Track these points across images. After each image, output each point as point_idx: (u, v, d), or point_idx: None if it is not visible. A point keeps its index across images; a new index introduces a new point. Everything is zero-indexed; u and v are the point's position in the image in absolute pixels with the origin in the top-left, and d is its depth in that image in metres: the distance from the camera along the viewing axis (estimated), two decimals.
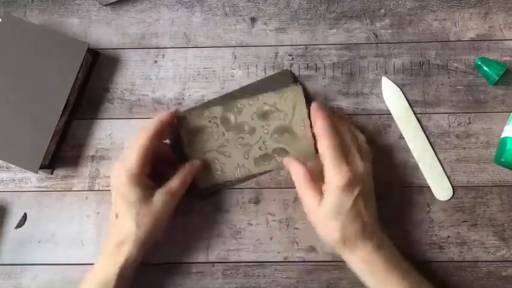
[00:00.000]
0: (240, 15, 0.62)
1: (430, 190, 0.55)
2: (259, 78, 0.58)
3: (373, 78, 0.59)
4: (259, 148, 0.55)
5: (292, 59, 0.60)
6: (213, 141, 0.55)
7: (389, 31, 0.61)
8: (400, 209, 0.55)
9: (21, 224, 0.57)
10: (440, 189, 0.55)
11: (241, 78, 0.60)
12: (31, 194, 0.58)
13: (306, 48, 0.61)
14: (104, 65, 0.61)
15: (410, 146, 0.57)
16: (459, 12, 0.61)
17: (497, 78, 0.56)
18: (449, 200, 0.55)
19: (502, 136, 0.56)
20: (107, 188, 0.57)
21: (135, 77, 0.61)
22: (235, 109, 0.55)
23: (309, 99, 0.57)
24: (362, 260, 0.48)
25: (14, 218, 0.57)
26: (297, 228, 0.56)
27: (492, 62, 0.57)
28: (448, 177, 0.56)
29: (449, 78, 0.59)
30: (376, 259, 0.48)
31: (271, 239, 0.56)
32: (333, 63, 0.60)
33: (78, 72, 0.57)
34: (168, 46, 0.62)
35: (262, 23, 0.62)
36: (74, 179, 0.58)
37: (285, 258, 0.55)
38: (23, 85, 0.57)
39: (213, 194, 0.56)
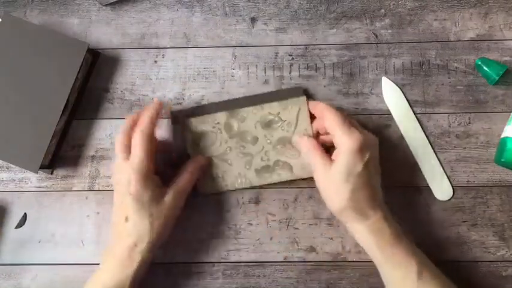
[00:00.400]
0: (240, 15, 0.62)
1: (430, 190, 0.56)
2: (270, 91, 0.58)
3: (373, 78, 0.59)
4: (261, 159, 0.55)
5: (292, 59, 0.60)
6: (216, 147, 0.55)
7: (389, 31, 0.61)
8: (400, 209, 0.55)
9: (21, 224, 0.57)
10: (440, 189, 0.55)
11: (241, 78, 0.60)
12: (31, 194, 0.58)
13: (306, 48, 0.61)
14: (104, 65, 0.61)
15: (410, 146, 0.57)
16: (459, 12, 0.61)
17: (497, 78, 0.57)
18: (449, 200, 0.55)
19: (502, 136, 0.56)
20: (107, 188, 0.57)
21: (135, 77, 0.61)
22: (239, 116, 0.55)
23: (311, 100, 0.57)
24: (369, 230, 0.48)
25: (14, 218, 0.57)
26: (297, 228, 0.56)
27: (492, 62, 0.57)
28: (448, 177, 0.56)
29: (449, 78, 0.59)
30: (384, 229, 0.47)
31: (271, 239, 0.56)
32: (333, 63, 0.60)
33: (78, 72, 0.57)
34: (168, 46, 0.62)
35: (262, 23, 0.62)
36: (74, 179, 0.58)
37: (285, 258, 0.55)
38: (23, 85, 0.57)
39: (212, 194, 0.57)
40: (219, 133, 0.55)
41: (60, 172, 0.58)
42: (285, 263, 0.55)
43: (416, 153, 0.56)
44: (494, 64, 0.57)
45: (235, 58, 0.61)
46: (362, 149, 0.47)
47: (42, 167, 0.56)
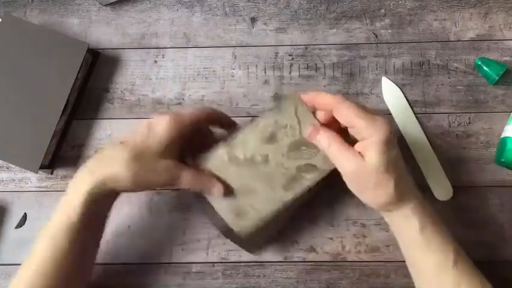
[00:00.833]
0: (240, 15, 0.62)
1: (430, 190, 0.55)
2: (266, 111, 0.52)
3: (373, 78, 0.59)
4: (282, 173, 0.49)
5: (292, 59, 0.60)
6: (233, 183, 0.49)
7: (390, 31, 0.61)
8: None
9: (21, 224, 0.57)
10: (440, 189, 0.55)
11: (241, 78, 0.60)
12: (31, 194, 0.58)
13: (306, 48, 0.61)
14: (104, 65, 0.61)
15: (411, 146, 0.57)
16: (459, 12, 0.61)
17: (497, 78, 0.57)
18: (449, 200, 0.55)
19: (502, 136, 0.56)
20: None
21: (135, 77, 0.61)
22: (240, 142, 0.49)
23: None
24: (413, 213, 0.45)
25: (14, 218, 0.57)
26: (297, 228, 0.56)
27: (492, 62, 0.57)
28: (448, 177, 0.56)
29: (449, 78, 0.59)
30: (426, 211, 0.46)
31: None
32: (333, 63, 0.60)
33: (78, 72, 0.57)
34: (168, 46, 0.62)
35: (262, 23, 0.62)
36: None
37: (285, 258, 0.55)
38: (23, 85, 0.57)
39: (260, 248, 0.54)
40: (229, 170, 0.49)
41: (60, 172, 0.58)
42: (285, 263, 0.55)
43: (416, 153, 0.56)
44: (494, 64, 0.57)
45: (235, 58, 0.61)
46: (391, 135, 0.44)
47: (42, 167, 0.56)
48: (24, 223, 0.57)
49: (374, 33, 0.61)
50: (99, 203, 0.46)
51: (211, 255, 0.55)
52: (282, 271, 0.55)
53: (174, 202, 0.57)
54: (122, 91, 0.61)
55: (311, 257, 0.55)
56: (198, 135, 0.50)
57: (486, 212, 0.55)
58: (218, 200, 0.49)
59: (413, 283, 0.52)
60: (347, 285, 0.54)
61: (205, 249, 0.55)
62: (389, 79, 0.59)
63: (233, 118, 0.54)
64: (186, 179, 0.47)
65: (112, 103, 0.60)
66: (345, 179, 0.46)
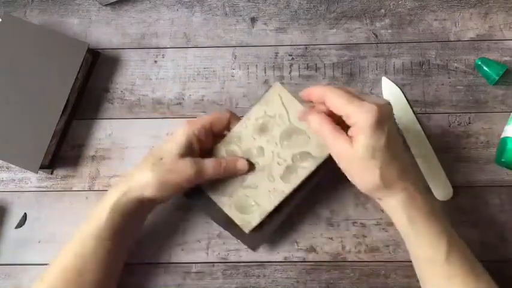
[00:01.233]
0: (240, 15, 0.62)
1: (430, 190, 0.55)
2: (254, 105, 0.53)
3: (373, 78, 0.59)
4: (278, 163, 0.51)
5: (292, 59, 0.60)
6: (232, 180, 0.52)
7: (390, 31, 0.61)
8: None
9: (21, 224, 0.57)
10: (440, 189, 0.55)
11: (241, 78, 0.60)
12: (31, 194, 0.58)
13: (306, 48, 0.61)
14: (104, 65, 0.61)
15: (410, 146, 0.57)
16: (459, 12, 0.61)
17: (497, 78, 0.57)
18: (449, 200, 0.55)
19: (502, 136, 0.56)
20: (107, 188, 0.57)
21: (135, 77, 0.61)
22: (234, 139, 0.51)
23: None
24: (402, 203, 0.45)
25: (14, 218, 0.57)
26: (297, 228, 0.56)
27: (492, 62, 0.57)
28: (448, 177, 0.56)
29: (449, 78, 0.59)
30: (416, 203, 0.45)
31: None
32: (333, 63, 0.60)
33: (78, 72, 0.57)
34: (168, 46, 0.62)
35: (262, 23, 0.62)
36: (74, 179, 0.58)
37: (285, 258, 0.55)
38: (23, 85, 0.57)
39: (262, 243, 0.54)
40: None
41: (60, 172, 0.58)
42: (285, 263, 0.55)
43: (416, 153, 0.56)
44: (494, 64, 0.57)
45: (235, 58, 0.61)
46: (381, 120, 0.44)
47: (42, 167, 0.56)
48: (24, 223, 0.57)
49: (374, 33, 0.61)
50: (127, 215, 0.48)
51: (211, 255, 0.55)
52: (282, 271, 0.55)
53: (174, 202, 0.57)
54: (122, 91, 0.61)
55: (311, 257, 0.55)
56: (213, 138, 0.52)
57: (486, 212, 0.55)
58: (221, 197, 0.52)
59: (413, 283, 0.52)
60: (347, 285, 0.54)
61: (205, 249, 0.55)
62: (389, 79, 0.59)
63: None
64: (210, 166, 0.49)
65: (112, 103, 0.60)
66: (336, 160, 0.47)
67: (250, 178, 0.51)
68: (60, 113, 0.56)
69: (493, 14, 0.61)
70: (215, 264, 0.55)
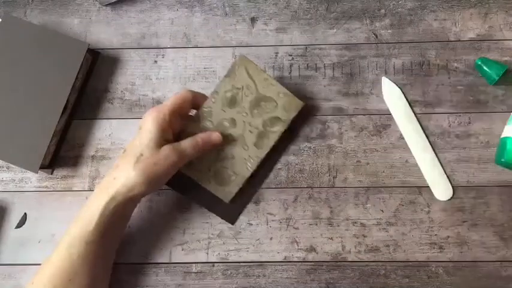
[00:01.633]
0: (240, 15, 0.62)
1: (430, 190, 0.55)
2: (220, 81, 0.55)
3: (373, 78, 0.59)
4: (250, 132, 0.54)
5: (292, 59, 0.60)
6: (208, 155, 0.54)
7: (390, 31, 0.61)
8: (400, 209, 0.55)
9: (21, 224, 0.57)
10: (440, 189, 0.55)
11: None
12: (31, 194, 0.58)
13: (306, 48, 0.61)
14: (104, 65, 0.61)
15: (410, 146, 0.57)
16: (459, 12, 0.61)
17: (497, 78, 0.56)
18: (449, 200, 0.55)
19: (502, 136, 0.56)
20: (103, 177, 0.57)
21: (135, 77, 0.61)
22: (205, 114, 0.54)
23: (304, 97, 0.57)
24: None
25: (14, 218, 0.57)
26: (297, 228, 0.56)
27: (492, 62, 0.57)
28: (448, 177, 0.56)
29: (449, 78, 0.59)
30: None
31: (271, 239, 0.56)
32: (333, 63, 0.60)
33: (78, 72, 0.57)
34: (168, 46, 0.62)
35: (262, 23, 0.62)
36: (74, 179, 0.58)
37: (285, 258, 0.55)
38: (23, 85, 0.57)
39: (241, 212, 0.56)
40: None
41: (60, 172, 0.58)
42: (285, 263, 0.55)
43: (416, 153, 0.56)
44: (494, 64, 0.57)
45: (235, 58, 0.61)
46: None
47: (42, 167, 0.56)
48: (24, 223, 0.57)
49: (374, 33, 0.61)
50: (115, 218, 0.48)
51: (211, 255, 0.55)
52: (282, 271, 0.55)
53: (174, 202, 0.57)
54: (122, 91, 0.61)
55: (311, 257, 0.55)
56: (181, 118, 0.53)
57: (486, 212, 0.55)
58: (199, 174, 0.54)
59: (413, 283, 0.52)
60: (347, 285, 0.54)
61: (205, 249, 0.55)
62: (389, 79, 0.59)
63: None
64: (189, 147, 0.50)
65: (112, 103, 0.60)
66: None
67: (226, 150, 0.54)
68: (60, 113, 0.56)
69: (493, 14, 0.61)
70: (215, 264, 0.55)
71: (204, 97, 0.55)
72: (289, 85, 0.59)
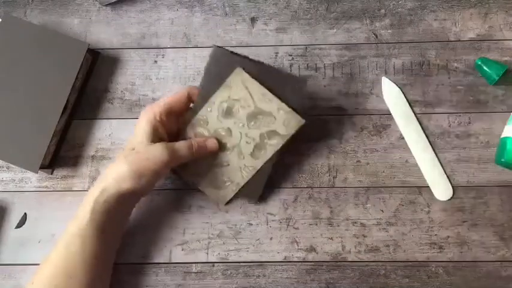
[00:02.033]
0: (240, 15, 0.62)
1: (430, 190, 0.55)
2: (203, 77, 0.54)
3: (373, 78, 0.59)
4: (247, 142, 0.53)
5: (292, 59, 0.60)
6: (204, 160, 0.53)
7: (390, 31, 0.61)
8: (400, 209, 0.55)
9: (21, 224, 0.57)
10: (440, 189, 0.55)
11: None
12: (31, 194, 0.58)
13: (306, 48, 0.61)
14: (104, 65, 0.61)
15: (410, 146, 0.57)
16: (459, 12, 0.61)
17: (497, 78, 0.56)
18: (449, 200, 0.55)
19: (502, 136, 0.56)
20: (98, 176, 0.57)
21: (135, 77, 0.61)
22: (201, 122, 0.53)
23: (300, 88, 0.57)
24: None
25: (14, 218, 0.57)
26: (297, 228, 0.56)
27: (492, 62, 0.57)
28: (448, 177, 0.56)
29: (449, 78, 0.59)
30: None
31: (271, 239, 0.56)
32: (333, 63, 0.60)
33: (78, 72, 0.57)
34: (168, 46, 0.62)
35: (262, 23, 0.62)
36: (74, 179, 0.58)
37: (285, 258, 0.55)
38: (23, 85, 0.57)
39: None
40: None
41: (60, 172, 0.58)
42: (285, 263, 0.55)
43: (416, 153, 0.56)
44: (494, 64, 0.57)
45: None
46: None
47: (42, 167, 0.56)
48: (24, 223, 0.57)
49: (374, 33, 0.61)
50: (109, 213, 0.48)
51: (211, 255, 0.55)
52: (282, 271, 0.55)
53: (174, 202, 0.57)
54: (122, 91, 0.61)
55: (311, 257, 0.55)
56: (176, 119, 0.53)
57: (486, 212, 0.55)
58: (195, 177, 0.55)
59: (413, 283, 0.52)
60: (347, 285, 0.54)
61: (205, 249, 0.55)
62: (389, 79, 0.59)
63: None
64: (182, 148, 0.50)
65: (112, 103, 0.60)
66: None
67: (221, 157, 0.54)
68: (60, 113, 0.56)
69: (493, 14, 0.61)
70: (215, 264, 0.55)
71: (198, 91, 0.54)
72: None
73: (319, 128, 0.58)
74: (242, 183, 0.54)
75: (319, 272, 0.54)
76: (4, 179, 0.58)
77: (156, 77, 0.61)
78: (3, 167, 0.59)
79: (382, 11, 0.62)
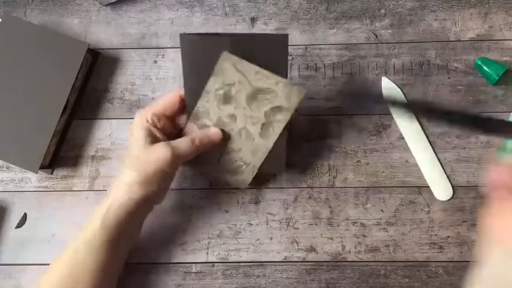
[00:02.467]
0: (240, 15, 0.62)
1: (430, 190, 0.55)
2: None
3: (373, 78, 0.59)
4: (253, 124, 0.51)
5: (292, 59, 0.60)
6: (214, 150, 0.52)
7: (390, 31, 0.61)
8: (400, 209, 0.55)
9: (21, 224, 0.57)
10: (440, 189, 0.55)
11: None
12: (31, 194, 0.58)
13: (306, 48, 0.61)
14: (104, 65, 0.61)
15: (410, 146, 0.57)
16: (459, 12, 0.61)
17: (497, 78, 0.56)
18: (449, 200, 0.55)
19: None
20: (107, 188, 0.57)
21: (135, 77, 0.61)
22: (202, 113, 0.51)
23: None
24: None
25: (14, 218, 0.57)
26: (297, 228, 0.56)
27: (492, 62, 0.57)
28: (448, 177, 0.56)
29: (449, 78, 0.59)
30: None
31: (271, 239, 0.56)
32: (333, 63, 0.60)
33: (78, 72, 0.57)
34: (168, 46, 0.62)
35: (262, 23, 0.62)
36: (74, 179, 0.58)
37: (285, 258, 0.55)
38: (23, 85, 0.57)
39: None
40: None
41: (60, 172, 0.58)
42: (285, 263, 0.55)
43: (417, 153, 0.56)
44: (494, 64, 0.57)
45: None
46: None
47: (42, 167, 0.56)
48: (24, 223, 0.57)
49: (374, 33, 0.61)
50: (119, 219, 0.47)
51: (211, 255, 0.55)
52: (282, 271, 0.55)
53: (174, 202, 0.57)
54: (122, 91, 0.61)
55: (311, 257, 0.55)
56: (171, 121, 0.52)
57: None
58: (210, 168, 0.53)
59: (413, 283, 0.52)
60: (347, 285, 0.54)
61: (205, 249, 0.55)
62: (389, 79, 0.59)
63: None
64: (184, 144, 0.49)
65: (112, 103, 0.60)
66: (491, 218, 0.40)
67: (232, 143, 0.52)
68: (60, 113, 0.56)
69: (493, 14, 0.61)
70: (215, 264, 0.55)
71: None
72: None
73: (319, 128, 0.58)
74: (259, 164, 0.53)
75: (319, 272, 0.54)
76: (4, 179, 0.59)
77: (156, 77, 0.61)
78: (3, 167, 0.59)
79: (382, 11, 0.62)
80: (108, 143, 0.59)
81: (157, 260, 0.55)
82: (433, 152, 0.56)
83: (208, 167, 0.54)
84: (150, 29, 0.62)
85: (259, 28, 0.62)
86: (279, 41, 0.49)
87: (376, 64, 0.60)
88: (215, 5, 0.63)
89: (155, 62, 0.61)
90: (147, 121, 0.49)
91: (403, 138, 0.57)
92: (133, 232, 0.51)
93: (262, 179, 0.56)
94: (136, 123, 0.49)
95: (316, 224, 0.56)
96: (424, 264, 0.54)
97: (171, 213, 0.56)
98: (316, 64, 0.60)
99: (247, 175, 0.53)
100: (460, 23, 0.61)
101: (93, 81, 0.61)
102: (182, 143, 0.49)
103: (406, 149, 0.57)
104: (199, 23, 0.62)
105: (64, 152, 0.59)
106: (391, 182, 0.56)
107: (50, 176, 0.58)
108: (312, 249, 0.55)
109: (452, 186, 0.55)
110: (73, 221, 0.57)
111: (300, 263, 0.55)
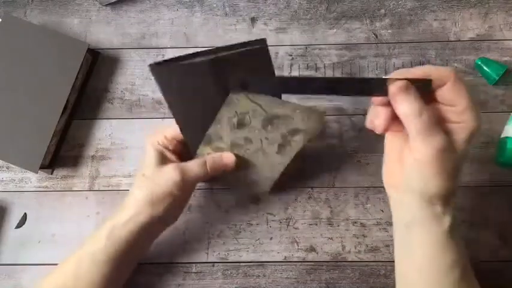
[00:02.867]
0: (240, 15, 0.62)
1: None
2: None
3: None
4: (269, 144, 0.49)
5: (292, 59, 0.60)
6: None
7: (390, 31, 0.61)
8: None
9: (21, 224, 0.57)
10: None
11: None
12: (31, 194, 0.58)
13: (306, 48, 0.61)
14: (104, 65, 0.61)
15: None
16: (459, 12, 0.61)
17: (497, 78, 0.57)
18: None
19: (502, 136, 0.56)
20: (107, 188, 0.57)
21: (135, 77, 0.61)
22: (215, 137, 0.49)
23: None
24: (450, 213, 0.40)
25: (14, 218, 0.57)
26: (297, 228, 0.56)
27: (492, 62, 0.57)
28: None
29: None
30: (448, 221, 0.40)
31: (271, 239, 0.56)
32: (333, 63, 0.60)
33: (78, 72, 0.58)
34: (168, 46, 0.62)
35: (262, 23, 0.62)
36: (74, 179, 0.58)
37: (285, 258, 0.55)
38: (23, 85, 0.57)
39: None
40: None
41: (60, 172, 0.58)
42: (285, 263, 0.55)
43: None
44: (494, 64, 0.57)
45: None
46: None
47: (42, 167, 0.56)
48: (24, 223, 0.57)
49: (374, 33, 0.61)
50: (127, 240, 0.47)
51: (211, 255, 0.55)
52: (282, 271, 0.55)
53: None
54: (122, 91, 0.61)
55: (311, 257, 0.55)
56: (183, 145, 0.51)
57: (486, 212, 0.55)
58: (229, 183, 0.55)
59: None
60: (347, 285, 0.54)
61: (205, 249, 0.55)
62: None
63: None
64: (195, 167, 0.48)
65: (112, 103, 0.60)
66: (416, 154, 0.39)
67: (248, 161, 0.51)
68: (60, 113, 0.56)
69: (493, 14, 0.61)
70: (215, 264, 0.55)
71: None
72: None
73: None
74: (276, 177, 0.52)
75: (319, 272, 0.54)
76: (4, 179, 0.59)
77: None
78: (3, 167, 0.59)
79: (382, 11, 0.62)
80: (108, 143, 0.59)
81: (157, 260, 0.55)
82: None
83: (225, 181, 0.55)
84: (150, 29, 0.62)
85: (259, 28, 0.62)
86: (259, 48, 0.46)
87: (376, 64, 0.60)
88: (215, 5, 0.63)
89: None
90: (159, 143, 0.49)
91: None
92: (140, 251, 0.51)
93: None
94: (148, 142, 0.49)
95: (316, 224, 0.56)
96: None
97: None
98: (316, 64, 0.60)
99: (265, 186, 0.53)
100: (460, 23, 0.61)
101: (93, 81, 0.61)
102: (193, 165, 0.48)
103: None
104: (199, 23, 0.62)
105: (64, 152, 0.59)
106: None
107: (50, 176, 0.58)
108: (312, 249, 0.55)
109: None
110: (73, 221, 0.57)
111: (300, 263, 0.55)
